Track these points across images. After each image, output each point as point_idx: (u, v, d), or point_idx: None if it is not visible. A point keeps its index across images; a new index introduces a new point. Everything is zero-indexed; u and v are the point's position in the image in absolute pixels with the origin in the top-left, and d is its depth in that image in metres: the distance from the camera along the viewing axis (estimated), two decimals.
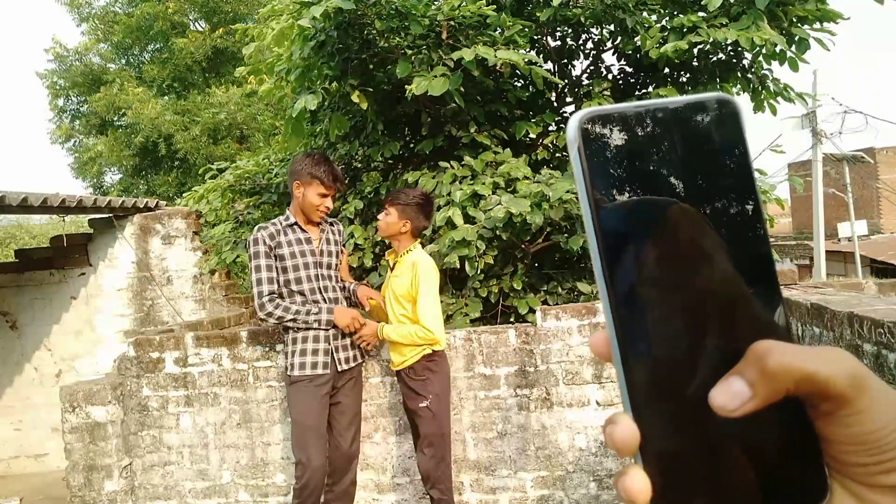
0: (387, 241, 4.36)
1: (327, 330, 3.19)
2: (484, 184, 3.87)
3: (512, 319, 4.11)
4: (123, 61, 16.66)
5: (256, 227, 3.21)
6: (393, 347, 3.21)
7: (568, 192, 3.61)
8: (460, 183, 3.98)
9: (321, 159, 3.24)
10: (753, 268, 0.40)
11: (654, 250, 0.40)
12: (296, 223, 3.23)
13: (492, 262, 3.95)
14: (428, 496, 3.24)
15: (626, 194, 0.41)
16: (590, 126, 0.41)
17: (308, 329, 3.17)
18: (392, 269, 3.22)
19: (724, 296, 0.39)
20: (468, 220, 3.87)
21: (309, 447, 3.13)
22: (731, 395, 0.37)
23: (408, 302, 3.10)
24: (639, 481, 0.38)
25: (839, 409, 0.36)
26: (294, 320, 3.13)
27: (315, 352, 3.18)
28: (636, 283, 0.40)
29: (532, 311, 3.90)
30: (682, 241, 0.40)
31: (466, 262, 3.77)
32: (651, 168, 0.41)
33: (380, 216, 3.26)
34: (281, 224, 3.22)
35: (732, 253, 0.40)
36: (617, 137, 0.41)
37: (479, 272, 3.91)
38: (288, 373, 3.22)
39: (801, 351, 0.37)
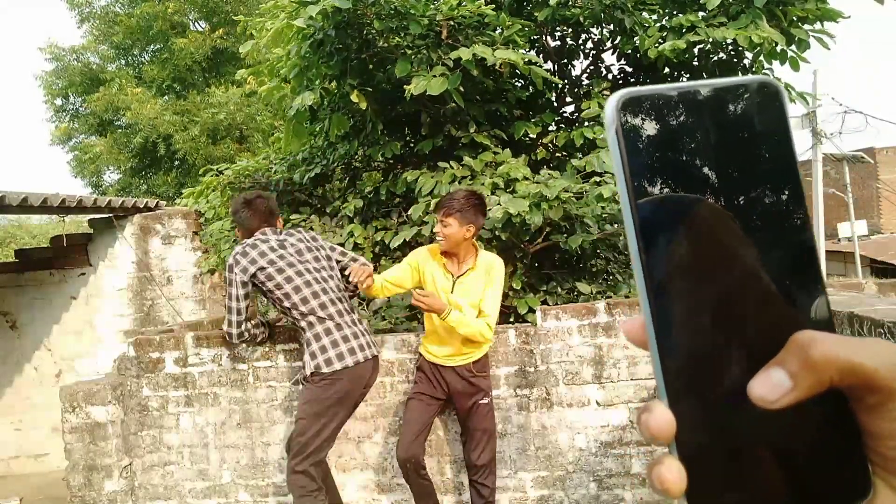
0: (383, 243, 4.36)
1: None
2: (483, 184, 3.87)
3: (511, 319, 4.11)
4: (123, 61, 16.65)
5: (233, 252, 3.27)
6: (450, 340, 3.16)
7: (566, 191, 3.61)
8: (459, 183, 3.98)
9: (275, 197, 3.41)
10: (794, 256, 0.39)
11: (692, 236, 0.39)
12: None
13: None
14: (474, 489, 3.25)
15: (665, 177, 0.39)
16: (628, 107, 0.40)
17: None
18: (461, 275, 3.14)
19: (763, 284, 0.38)
20: None
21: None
22: (771, 385, 0.36)
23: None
24: (674, 471, 0.37)
25: (885, 402, 0.35)
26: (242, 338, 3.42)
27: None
28: (674, 268, 0.39)
29: (532, 310, 3.90)
30: (722, 228, 0.39)
31: None
32: (690, 150, 0.40)
33: (436, 229, 3.15)
34: (256, 252, 3.29)
35: (773, 240, 0.39)
36: (655, 119, 0.40)
37: None
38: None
39: (845, 341, 0.35)
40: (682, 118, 0.40)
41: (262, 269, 3.14)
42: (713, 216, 0.39)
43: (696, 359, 0.38)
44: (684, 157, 0.39)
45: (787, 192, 0.39)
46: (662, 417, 0.38)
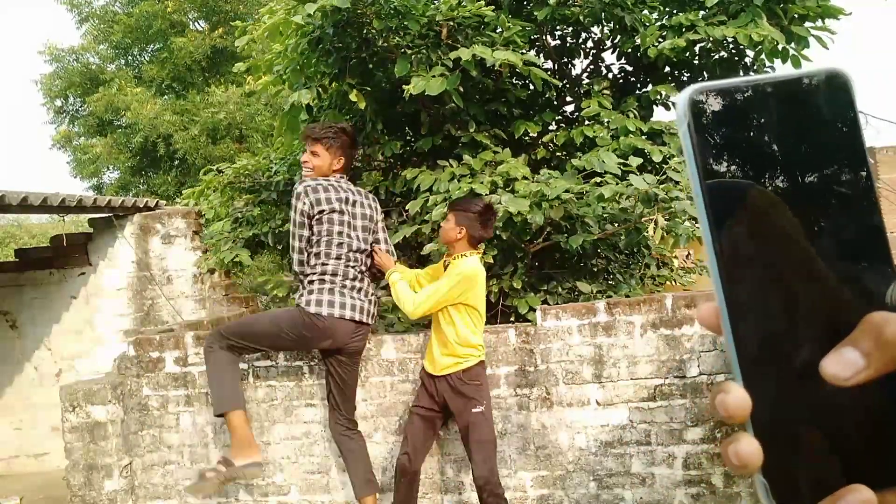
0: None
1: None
2: (482, 182, 3.87)
3: (512, 319, 4.11)
4: (122, 61, 16.63)
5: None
6: (441, 350, 3.20)
7: (567, 191, 3.61)
8: (459, 181, 3.98)
9: (351, 129, 3.57)
10: (864, 239, 0.40)
11: (763, 224, 0.40)
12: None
13: (491, 261, 3.95)
14: None
15: (736, 169, 0.41)
16: (699, 101, 0.41)
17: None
18: (446, 272, 3.24)
19: (834, 267, 0.40)
20: None
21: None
22: (843, 363, 0.37)
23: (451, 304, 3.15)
24: (751, 447, 0.39)
25: None
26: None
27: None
28: (745, 255, 0.40)
29: (532, 310, 3.90)
30: (790, 217, 0.40)
31: None
32: (761, 143, 0.41)
33: (442, 222, 3.31)
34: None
35: (844, 226, 0.40)
36: (726, 112, 0.41)
37: None
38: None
39: None
40: (752, 111, 0.41)
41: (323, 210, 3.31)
42: (782, 203, 0.40)
43: (768, 340, 0.40)
44: (754, 148, 0.41)
45: (856, 178, 0.40)
46: (739, 397, 0.39)
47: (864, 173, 0.40)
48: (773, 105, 0.41)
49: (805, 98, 0.41)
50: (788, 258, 0.40)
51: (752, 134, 0.41)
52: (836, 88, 0.41)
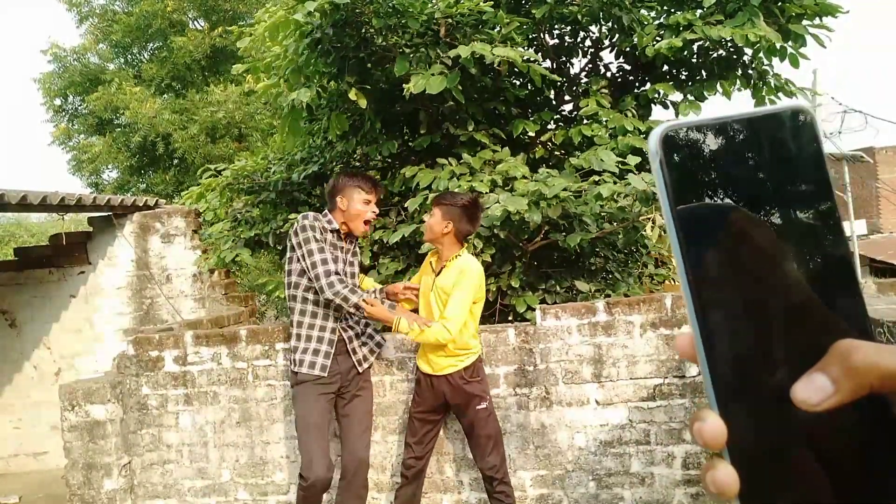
0: (382, 242, 4.36)
1: (347, 330, 3.23)
2: (482, 181, 3.87)
3: (510, 318, 4.11)
4: (122, 60, 16.62)
5: (304, 215, 3.20)
6: (438, 351, 3.16)
7: (565, 190, 3.61)
8: (458, 179, 3.98)
9: (358, 171, 3.28)
10: (833, 270, 0.42)
11: (734, 255, 0.42)
12: (337, 230, 3.24)
13: (490, 260, 3.95)
14: (494, 498, 3.21)
15: (707, 200, 0.42)
16: (670, 138, 0.43)
17: (323, 327, 3.18)
18: (438, 274, 3.16)
19: (803, 297, 0.41)
20: None
21: (314, 446, 3.14)
22: (813, 389, 0.38)
23: None
24: (728, 475, 0.40)
25: None
26: (359, 308, 3.06)
27: (327, 354, 3.18)
28: (718, 286, 0.42)
29: (531, 309, 3.90)
30: (761, 246, 0.42)
31: None
32: (730, 177, 0.42)
33: (425, 217, 3.23)
34: (324, 223, 3.21)
35: (811, 256, 0.41)
36: (696, 149, 0.43)
37: None
38: (294, 369, 3.19)
39: (884, 349, 0.38)
40: (721, 147, 0.43)
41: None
42: (753, 232, 0.42)
43: (741, 369, 0.41)
44: (724, 182, 0.43)
45: (822, 211, 0.42)
46: (715, 425, 0.41)
47: (829, 204, 0.42)
48: (741, 141, 0.42)
49: (772, 133, 0.42)
50: (761, 286, 0.41)
51: (721, 168, 0.42)
52: (800, 124, 0.42)
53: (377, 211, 3.32)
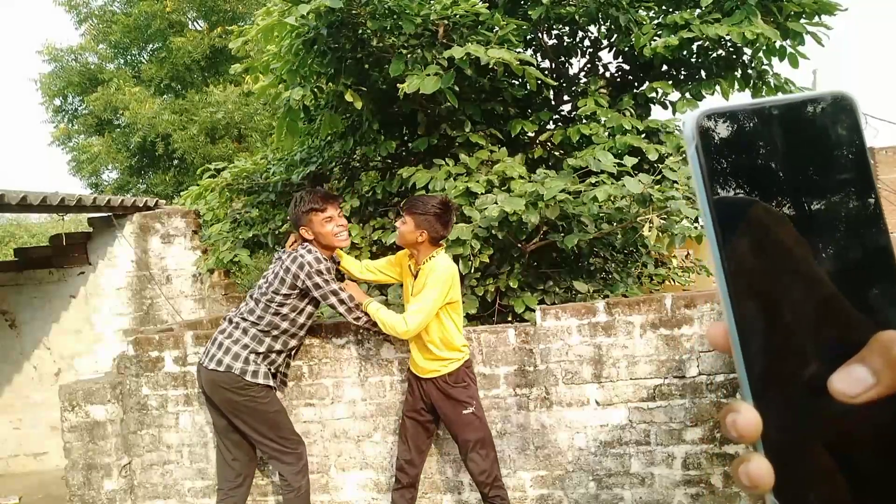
0: (380, 242, 4.36)
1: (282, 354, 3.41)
2: (478, 181, 3.87)
3: (509, 318, 4.11)
4: (121, 61, 16.61)
5: (311, 256, 3.18)
6: (424, 354, 3.18)
7: (563, 191, 3.61)
8: (455, 180, 3.98)
9: (307, 193, 3.26)
10: (872, 258, 0.40)
11: (771, 245, 0.41)
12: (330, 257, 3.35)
13: (488, 260, 3.95)
14: (488, 501, 3.22)
15: (744, 190, 0.41)
16: (706, 124, 0.42)
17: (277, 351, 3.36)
18: (416, 278, 3.19)
19: (842, 287, 0.40)
20: (463, 219, 3.87)
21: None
22: (852, 381, 0.37)
23: None
24: (762, 468, 0.39)
25: None
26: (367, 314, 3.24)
27: (275, 375, 3.41)
28: (754, 275, 0.41)
29: (529, 309, 3.90)
30: (798, 238, 0.41)
31: (460, 261, 3.78)
32: (768, 165, 0.41)
33: (397, 223, 3.22)
34: (322, 258, 3.24)
35: (851, 246, 0.40)
36: (733, 135, 0.41)
37: (473, 270, 3.91)
38: (263, 382, 3.30)
39: None
40: (758, 133, 0.41)
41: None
42: (789, 225, 0.41)
43: (778, 360, 0.40)
44: (761, 170, 0.41)
45: (863, 199, 0.41)
46: (749, 417, 0.39)
47: (870, 193, 0.41)
48: (780, 127, 0.41)
49: (812, 120, 0.41)
50: (797, 277, 0.40)
51: (759, 156, 0.41)
52: (841, 111, 0.41)
53: (344, 223, 3.29)
